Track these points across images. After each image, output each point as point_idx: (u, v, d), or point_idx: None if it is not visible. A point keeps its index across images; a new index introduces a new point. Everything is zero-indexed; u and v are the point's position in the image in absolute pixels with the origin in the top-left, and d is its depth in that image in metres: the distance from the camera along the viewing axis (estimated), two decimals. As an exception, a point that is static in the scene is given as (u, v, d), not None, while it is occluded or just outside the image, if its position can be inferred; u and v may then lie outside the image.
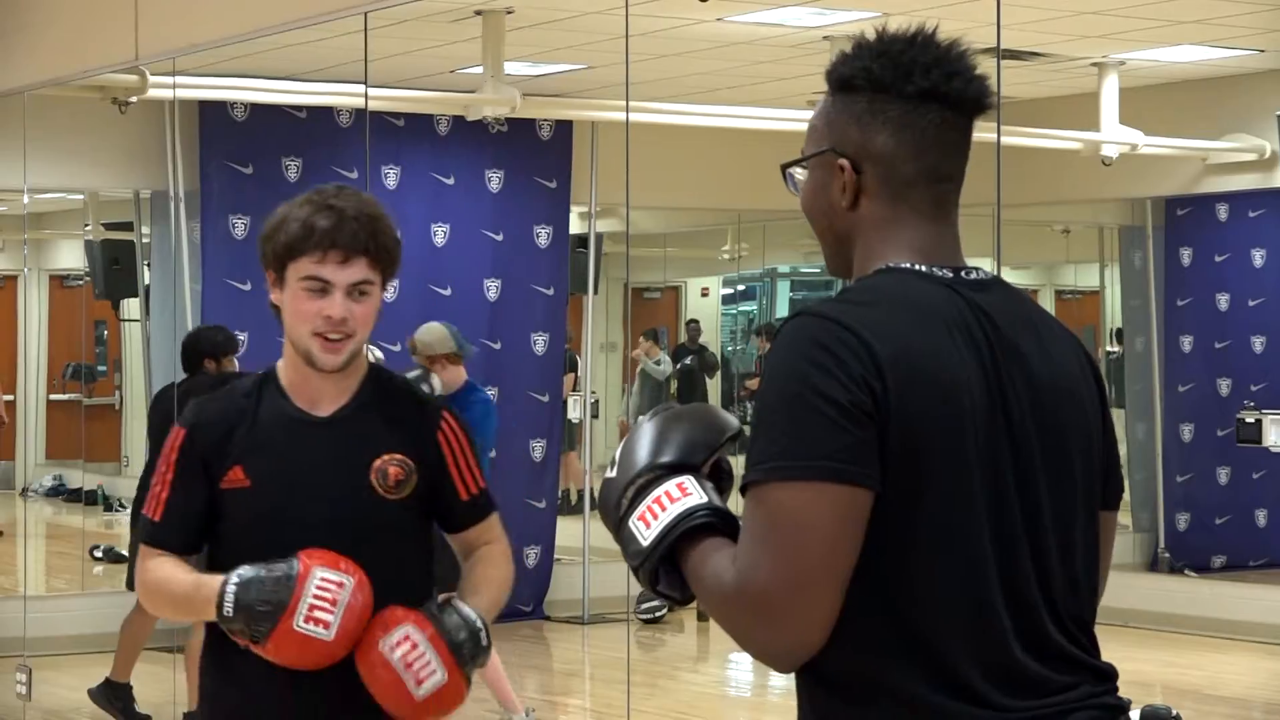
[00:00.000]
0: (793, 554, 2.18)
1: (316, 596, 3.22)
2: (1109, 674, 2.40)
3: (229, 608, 3.27)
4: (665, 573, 2.33)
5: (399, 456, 3.46)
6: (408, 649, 3.31)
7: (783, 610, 2.20)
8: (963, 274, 2.38)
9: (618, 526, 2.36)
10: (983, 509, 2.27)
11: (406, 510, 3.48)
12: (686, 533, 2.29)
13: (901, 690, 2.25)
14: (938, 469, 2.24)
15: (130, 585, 8.70)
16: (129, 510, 8.97)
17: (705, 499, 2.31)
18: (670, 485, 2.32)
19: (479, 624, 3.38)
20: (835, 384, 2.19)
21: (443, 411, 3.58)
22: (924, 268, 2.36)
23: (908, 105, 2.36)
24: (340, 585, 3.24)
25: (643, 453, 2.37)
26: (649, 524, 2.31)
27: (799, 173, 2.47)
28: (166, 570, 3.46)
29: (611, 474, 2.39)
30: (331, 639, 3.23)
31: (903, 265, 2.36)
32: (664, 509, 2.31)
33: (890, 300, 2.31)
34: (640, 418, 2.45)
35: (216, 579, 3.33)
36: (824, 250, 2.47)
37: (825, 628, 2.21)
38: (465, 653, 3.35)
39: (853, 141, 2.38)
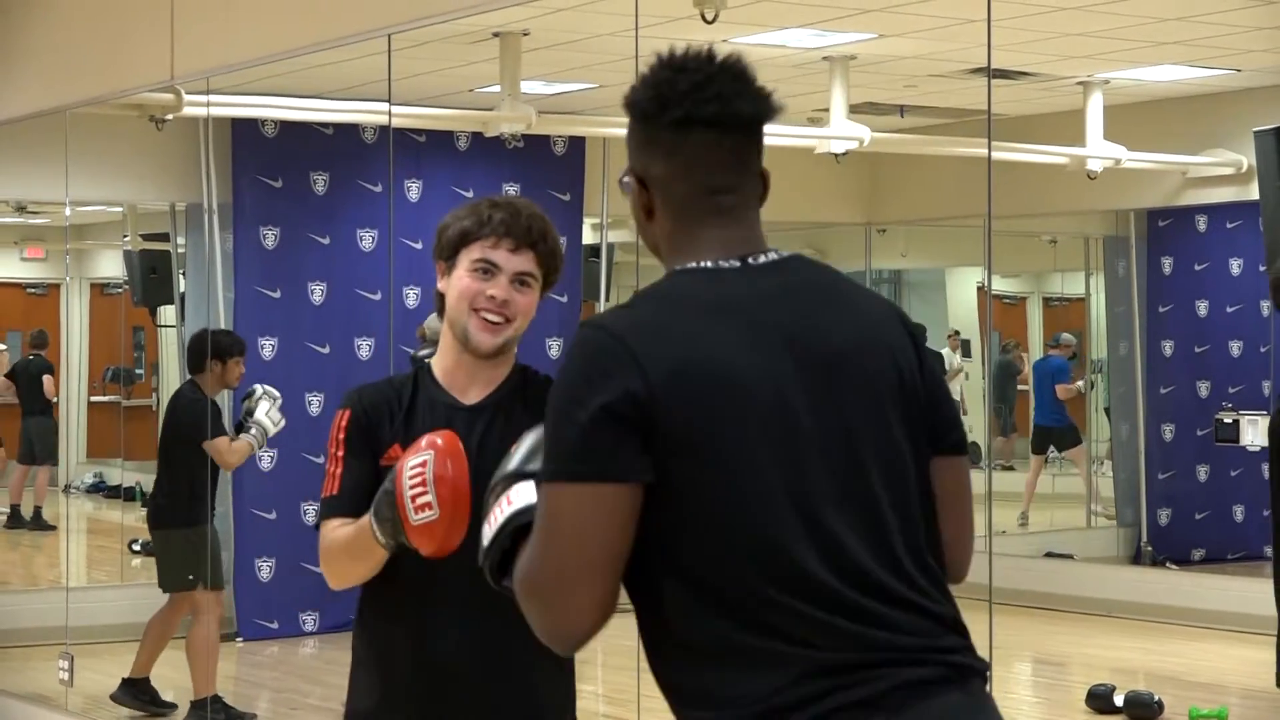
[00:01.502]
0: (554, 548, 2.29)
1: (411, 488, 3.24)
2: (960, 625, 2.38)
3: (377, 533, 3.31)
4: (507, 569, 2.43)
5: None
6: None
7: (550, 598, 2.31)
8: (750, 260, 2.42)
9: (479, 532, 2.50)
10: (780, 465, 2.29)
11: None
12: (522, 530, 2.39)
13: (738, 643, 2.27)
14: (712, 447, 2.28)
15: (161, 586, 8.69)
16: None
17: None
18: (511, 491, 2.45)
19: None
20: (597, 391, 2.28)
21: None
22: (710, 264, 2.41)
23: (670, 131, 2.43)
24: (423, 464, 3.24)
25: (506, 466, 2.50)
26: (490, 525, 2.46)
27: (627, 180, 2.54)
28: (335, 531, 3.47)
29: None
30: (439, 515, 3.23)
31: (689, 266, 2.42)
32: (502, 511, 2.44)
33: (659, 300, 2.39)
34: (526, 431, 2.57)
35: (366, 516, 3.36)
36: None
37: (595, 612, 2.31)
38: None
39: (638, 163, 2.48)
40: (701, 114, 2.40)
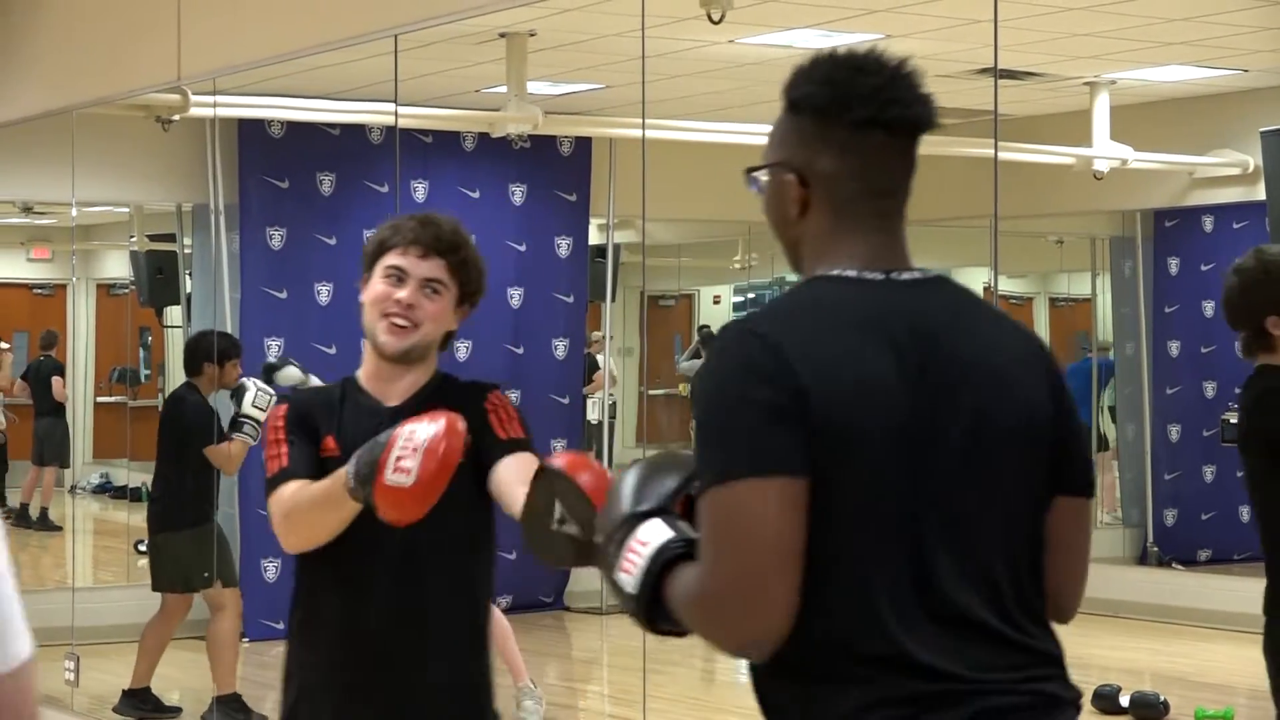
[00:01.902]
0: (740, 549, 2.24)
1: (401, 450, 3.28)
2: (1053, 657, 2.39)
3: (350, 481, 3.35)
4: (659, 611, 2.37)
5: None
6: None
7: (740, 602, 2.25)
8: (893, 275, 2.41)
9: (612, 583, 2.41)
10: (900, 489, 2.29)
11: (465, 475, 3.49)
12: (665, 567, 2.34)
13: (829, 662, 2.28)
14: (851, 456, 2.27)
15: (155, 587, 8.63)
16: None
17: (673, 534, 2.35)
18: (640, 532, 2.38)
19: None
20: (755, 386, 2.25)
21: (493, 389, 3.70)
22: (855, 273, 2.40)
23: (849, 130, 2.40)
24: (424, 434, 3.29)
25: (617, 509, 2.43)
26: (630, 572, 2.37)
27: (763, 176, 2.49)
28: (300, 487, 3.52)
29: (599, 537, 2.45)
30: (411, 483, 3.27)
31: (832, 273, 2.40)
32: (639, 554, 2.36)
33: (803, 306, 2.38)
34: (620, 472, 2.51)
35: (344, 468, 3.40)
36: (784, 253, 2.51)
37: (785, 613, 2.25)
38: None
39: (800, 158, 2.43)
40: (886, 116, 2.40)
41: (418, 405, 3.57)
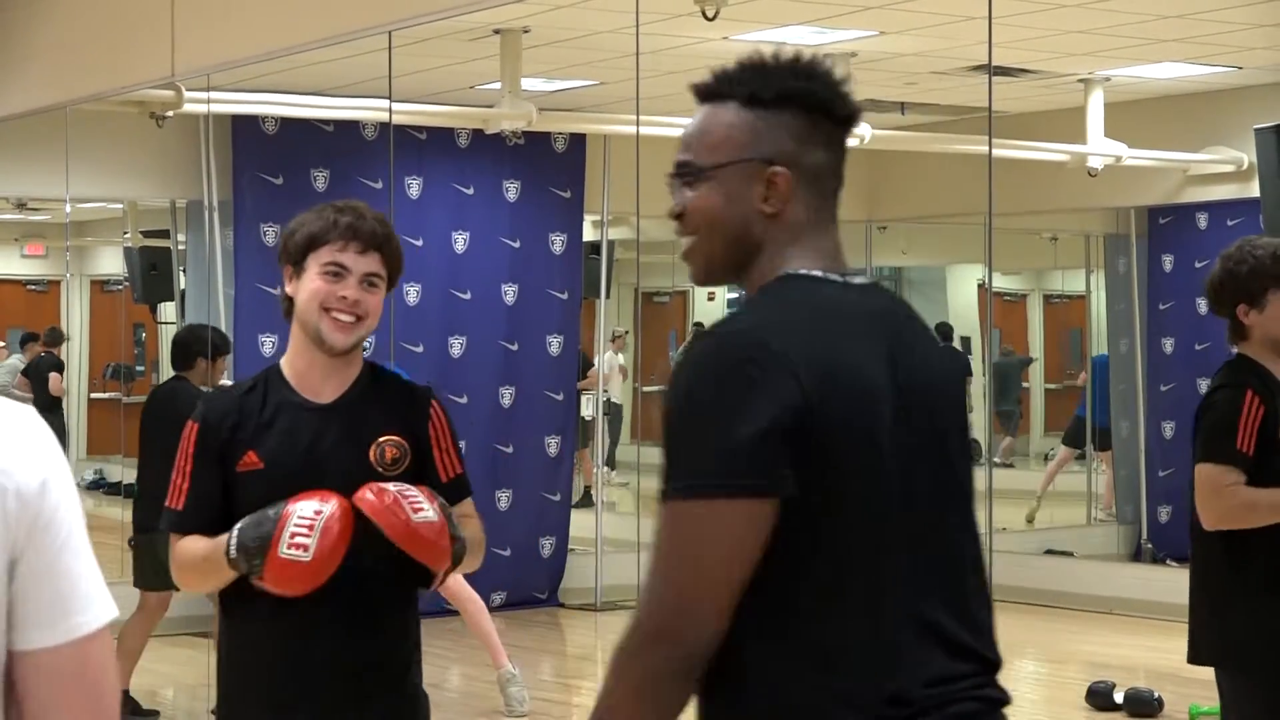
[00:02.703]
0: (690, 569, 2.18)
1: (296, 527, 3.38)
2: (995, 664, 2.37)
3: (232, 549, 3.43)
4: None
5: (394, 438, 3.61)
6: (406, 487, 3.50)
7: (686, 625, 2.19)
8: (848, 278, 2.38)
9: None
10: (896, 509, 2.26)
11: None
12: None
13: (794, 688, 2.23)
14: (855, 472, 2.22)
15: (138, 584, 8.50)
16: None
17: None
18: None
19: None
20: (758, 399, 2.17)
21: (431, 399, 3.73)
22: (821, 273, 2.35)
23: (833, 126, 2.40)
24: (318, 514, 3.39)
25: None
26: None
27: (726, 174, 2.40)
28: (189, 545, 3.58)
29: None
30: (310, 559, 3.37)
31: (801, 272, 2.35)
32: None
33: (792, 306, 2.31)
34: None
35: (224, 535, 3.47)
36: (714, 257, 2.42)
37: (713, 638, 2.19)
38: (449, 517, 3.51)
39: (787, 153, 2.37)
40: (859, 113, 2.42)
41: (348, 403, 3.63)
